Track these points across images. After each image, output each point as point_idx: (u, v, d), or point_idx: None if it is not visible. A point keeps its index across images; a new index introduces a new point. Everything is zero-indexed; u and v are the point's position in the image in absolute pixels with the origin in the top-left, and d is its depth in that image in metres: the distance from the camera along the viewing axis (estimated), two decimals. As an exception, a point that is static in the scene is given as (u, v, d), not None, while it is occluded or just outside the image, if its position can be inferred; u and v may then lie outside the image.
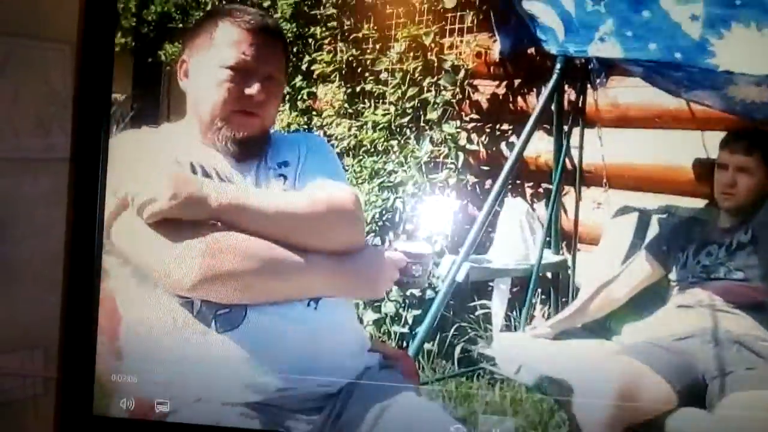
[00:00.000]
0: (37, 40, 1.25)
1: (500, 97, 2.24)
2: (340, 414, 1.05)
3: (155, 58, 2.60)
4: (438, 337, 1.94)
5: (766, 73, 1.37)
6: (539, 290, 1.97)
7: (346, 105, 2.45)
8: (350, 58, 2.42)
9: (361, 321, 1.82)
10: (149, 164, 1.06)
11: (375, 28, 2.37)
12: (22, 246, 1.25)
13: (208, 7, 2.15)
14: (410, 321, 2.03)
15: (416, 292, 2.05)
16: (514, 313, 2.02)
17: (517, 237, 1.98)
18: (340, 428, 1.04)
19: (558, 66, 1.84)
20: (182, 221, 1.02)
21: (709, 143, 1.81)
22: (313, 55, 2.43)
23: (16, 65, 1.24)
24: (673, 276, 1.66)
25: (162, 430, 1.16)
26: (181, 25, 2.42)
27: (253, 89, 1.10)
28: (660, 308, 1.63)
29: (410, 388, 1.10)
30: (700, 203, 1.82)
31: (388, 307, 2.03)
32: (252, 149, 1.14)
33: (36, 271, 1.27)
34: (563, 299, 2.00)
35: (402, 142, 2.32)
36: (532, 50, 2.00)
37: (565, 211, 2.08)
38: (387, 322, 2.03)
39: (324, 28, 2.36)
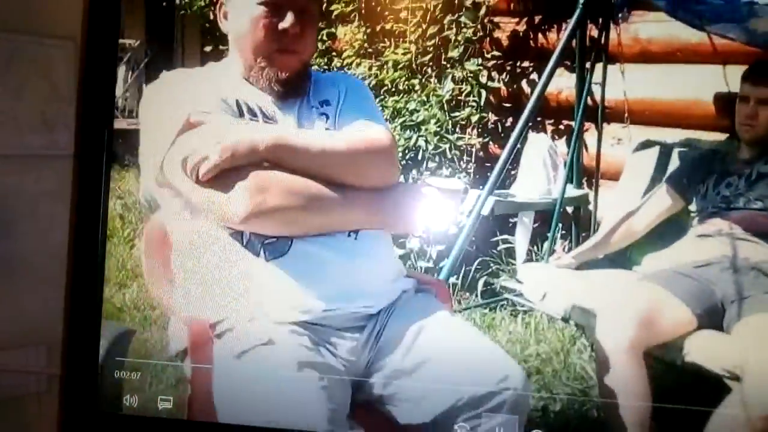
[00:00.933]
0: (40, 37, 1.24)
1: (521, 34, 2.26)
2: (381, 332, 1.12)
3: (170, 3, 2.61)
4: (462, 270, 2.00)
5: None
6: (560, 225, 2.02)
7: (365, 45, 2.46)
8: (370, -3, 2.44)
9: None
10: (199, 103, 1.11)
11: (394, -36, 2.37)
12: (25, 243, 1.25)
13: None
14: (434, 256, 2.09)
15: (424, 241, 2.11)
16: (535, 247, 2.08)
17: (540, 172, 2.03)
18: (381, 345, 1.11)
19: (581, 1, 1.85)
20: None
21: (730, 77, 1.83)
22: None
23: (19, 62, 1.23)
24: (693, 207, 1.70)
25: (166, 427, 1.20)
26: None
27: (286, 22, 1.13)
28: (680, 239, 1.67)
29: (445, 308, 1.17)
30: (720, 136, 1.85)
31: (413, 243, 2.08)
32: (294, 88, 1.18)
33: (39, 268, 1.27)
34: (584, 234, 2.06)
35: (423, 81, 2.34)
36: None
37: (586, 148, 2.12)
38: (412, 257, 2.09)
39: (342, -32, 2.31)
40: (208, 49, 2.45)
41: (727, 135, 1.81)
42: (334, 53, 2.53)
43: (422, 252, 2.09)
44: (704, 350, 1.39)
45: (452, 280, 1.94)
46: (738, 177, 1.62)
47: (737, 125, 1.66)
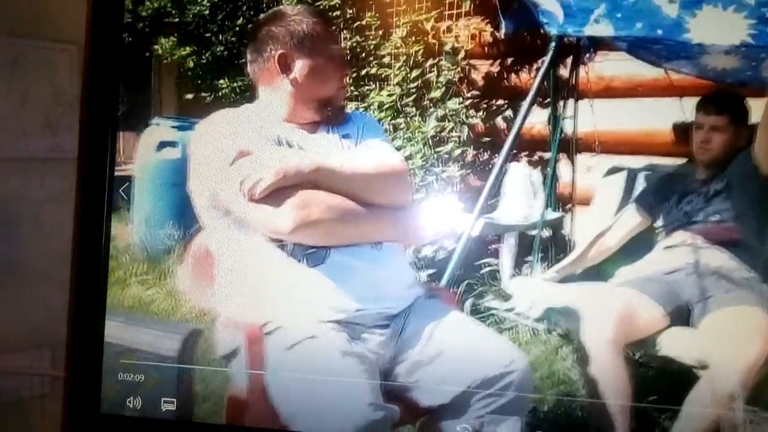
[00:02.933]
0: (45, 42, 1.27)
1: (495, 75, 2.44)
2: (403, 329, 1.31)
3: (151, 53, 2.73)
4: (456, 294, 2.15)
5: (732, 43, 1.58)
6: (540, 248, 2.19)
7: (352, 88, 2.62)
8: (354, 45, 2.59)
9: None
10: (247, 138, 1.29)
11: (377, 15, 2.55)
12: (29, 245, 1.27)
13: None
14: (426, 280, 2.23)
15: (429, 253, 2.27)
16: (516, 269, 2.24)
17: (520, 198, 2.21)
18: (404, 339, 1.31)
19: (552, 45, 2.05)
20: None
21: (686, 107, 2.02)
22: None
23: (24, 67, 1.25)
24: (659, 223, 1.88)
25: (169, 429, 1.28)
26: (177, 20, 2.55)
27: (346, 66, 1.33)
28: (649, 251, 1.85)
29: (455, 310, 1.36)
30: (680, 160, 2.05)
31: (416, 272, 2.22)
32: (329, 122, 1.38)
33: (43, 271, 1.30)
34: (561, 254, 2.23)
35: (408, 119, 2.51)
36: (525, 32, 2.20)
37: (560, 176, 2.30)
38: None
39: (328, 17, 2.53)
40: (189, 96, 2.59)
41: (686, 159, 1.98)
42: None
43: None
44: (675, 344, 1.57)
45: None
46: (697, 195, 1.81)
47: (694, 149, 1.85)
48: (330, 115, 1.37)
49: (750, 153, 1.71)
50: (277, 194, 1.25)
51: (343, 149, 1.38)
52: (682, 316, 1.63)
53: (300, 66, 1.35)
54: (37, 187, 1.29)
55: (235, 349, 1.28)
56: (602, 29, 1.74)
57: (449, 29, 2.43)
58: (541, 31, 1.91)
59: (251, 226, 1.27)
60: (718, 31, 1.57)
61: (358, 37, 2.58)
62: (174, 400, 1.27)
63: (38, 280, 1.30)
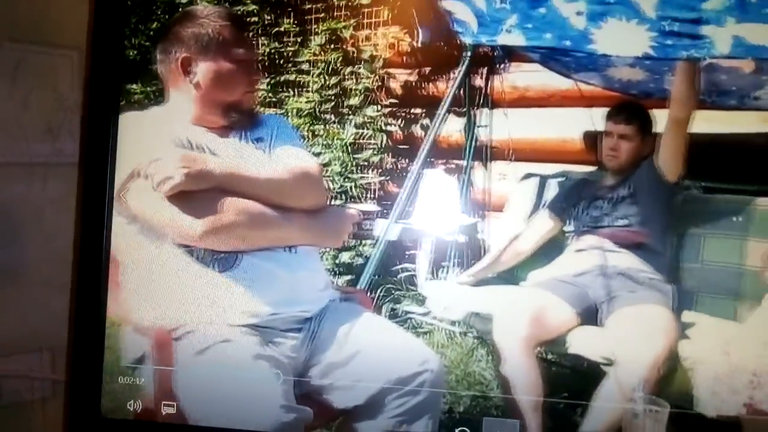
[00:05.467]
0: (46, 47, 1.28)
1: (412, 83, 2.47)
2: (316, 332, 1.30)
3: None
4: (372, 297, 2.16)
5: (635, 55, 1.66)
6: (456, 253, 2.22)
7: (269, 95, 2.61)
8: (272, 51, 2.58)
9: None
10: (154, 143, 1.25)
11: (295, 22, 2.54)
12: (30, 249, 1.28)
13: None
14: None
15: (347, 259, 2.27)
16: (432, 274, 2.27)
17: (436, 203, 2.24)
18: (318, 342, 1.29)
19: (467, 55, 2.10)
20: None
21: (595, 117, 2.11)
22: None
23: (25, 72, 1.27)
24: (569, 228, 1.95)
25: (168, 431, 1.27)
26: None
27: (252, 70, 1.31)
28: (560, 255, 1.91)
29: (369, 312, 1.36)
30: (590, 168, 2.13)
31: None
32: (240, 125, 1.35)
33: (44, 274, 1.31)
34: (476, 259, 2.27)
35: (326, 126, 2.51)
36: (440, 42, 2.24)
37: (474, 183, 2.34)
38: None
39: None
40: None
41: (596, 166, 2.05)
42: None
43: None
44: (584, 343, 1.62)
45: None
46: (604, 200, 1.88)
47: (603, 157, 1.93)
48: (237, 120, 1.35)
49: (654, 161, 1.81)
50: (186, 199, 1.22)
51: (256, 153, 1.36)
52: (590, 315, 1.69)
53: (203, 70, 1.33)
54: (39, 192, 1.29)
55: (142, 355, 1.24)
56: (514, 39, 1.79)
57: (368, 38, 2.43)
58: (457, 41, 1.93)
59: (159, 231, 1.24)
60: (622, 42, 1.64)
61: (276, 43, 2.56)
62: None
63: (39, 283, 1.30)
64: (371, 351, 1.28)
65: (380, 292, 2.16)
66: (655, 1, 1.56)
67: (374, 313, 1.49)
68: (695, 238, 1.85)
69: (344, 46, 2.44)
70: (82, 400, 1.30)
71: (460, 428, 1.31)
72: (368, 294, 1.99)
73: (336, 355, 1.28)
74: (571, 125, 2.19)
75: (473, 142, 2.25)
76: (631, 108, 1.91)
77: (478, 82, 2.26)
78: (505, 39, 1.81)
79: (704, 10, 1.50)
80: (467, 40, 1.92)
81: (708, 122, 1.85)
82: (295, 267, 1.30)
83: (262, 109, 2.55)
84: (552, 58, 2.05)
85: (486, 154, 2.28)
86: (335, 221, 1.37)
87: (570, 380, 1.67)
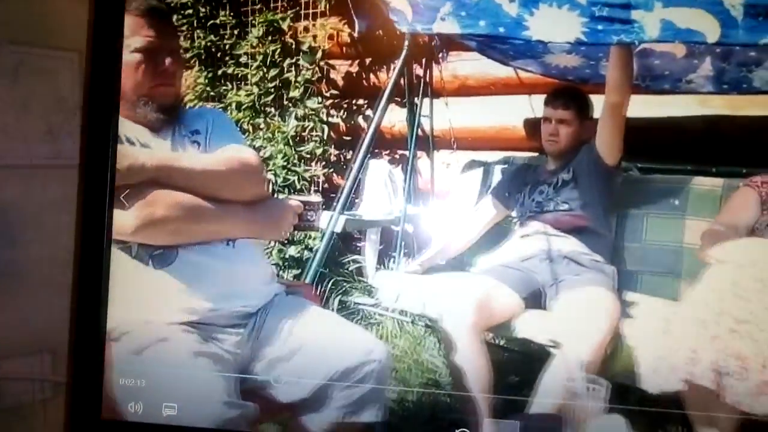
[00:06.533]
0: (46, 49, 1.26)
1: (354, 74, 2.46)
2: (260, 327, 1.27)
3: None
4: (318, 291, 2.15)
5: (567, 41, 1.67)
6: (403, 243, 2.23)
7: (208, 88, 2.56)
8: (209, 44, 2.54)
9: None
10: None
11: (231, 14, 2.50)
12: (31, 251, 1.27)
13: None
14: (290, 278, 2.21)
15: (294, 253, 2.25)
16: (382, 266, 2.27)
17: (382, 194, 2.24)
18: (261, 338, 1.27)
19: (406, 44, 2.09)
20: None
21: (535, 104, 2.13)
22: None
23: (25, 74, 1.25)
24: (514, 213, 1.97)
25: None
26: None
27: (165, 64, 1.27)
28: (506, 240, 1.93)
29: (314, 305, 1.34)
30: (532, 154, 2.15)
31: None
32: (169, 119, 1.31)
33: (45, 276, 1.29)
34: (425, 248, 2.27)
35: (267, 119, 2.48)
36: (380, 31, 2.24)
37: (420, 173, 2.35)
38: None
39: (180, 16, 2.45)
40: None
41: (538, 152, 2.08)
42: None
43: (279, 277, 2.20)
44: (531, 326, 1.64)
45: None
46: (547, 185, 1.90)
47: (543, 142, 1.94)
48: (163, 114, 1.30)
49: (593, 145, 1.83)
50: (118, 193, 1.18)
51: (192, 146, 1.32)
52: (536, 299, 1.71)
53: (124, 63, 1.28)
54: (39, 194, 1.28)
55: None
56: (449, 27, 1.79)
57: (306, 29, 2.42)
58: (395, 30, 1.93)
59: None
60: (555, 28, 1.65)
61: (212, 36, 2.53)
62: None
63: (39, 285, 1.29)
64: (316, 344, 1.26)
65: (329, 284, 2.15)
66: (585, -13, 1.57)
67: (320, 307, 1.47)
68: (636, 219, 1.89)
69: (283, 38, 2.42)
70: (82, 402, 1.30)
71: (460, 429, 1.31)
72: (316, 287, 1.97)
73: (280, 349, 1.26)
74: (512, 112, 2.22)
75: (416, 132, 2.24)
76: (568, 93, 1.93)
77: (419, 71, 2.26)
78: (440, 27, 1.80)
79: (633, -5, 1.53)
80: (403, 29, 1.91)
81: (643, 106, 1.88)
82: (235, 261, 1.27)
83: (200, 102, 2.54)
84: (489, 46, 2.06)
85: (429, 143, 2.28)
86: (275, 213, 1.34)
87: (519, 364, 1.69)
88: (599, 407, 1.29)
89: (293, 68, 2.43)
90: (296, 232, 1.63)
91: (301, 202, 1.37)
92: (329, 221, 1.96)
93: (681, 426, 1.46)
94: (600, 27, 1.59)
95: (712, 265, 1.55)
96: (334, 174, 2.46)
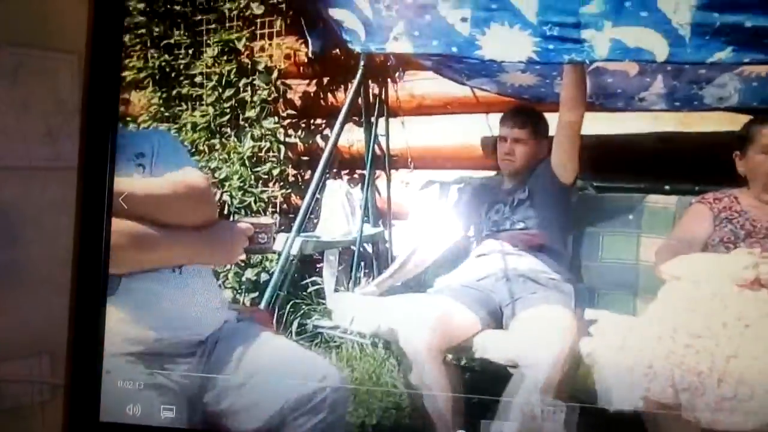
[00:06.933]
0: (46, 51, 1.26)
1: (311, 94, 2.45)
2: (210, 354, 1.23)
3: None
4: (275, 315, 2.11)
5: (519, 60, 1.69)
6: (363, 263, 2.21)
7: (162, 109, 2.52)
8: (163, 64, 2.50)
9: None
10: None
11: (186, 34, 2.47)
12: (30, 253, 1.26)
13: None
14: (248, 304, 2.17)
15: (251, 276, 2.21)
16: (341, 287, 2.24)
17: (340, 215, 2.21)
18: (211, 366, 1.23)
19: (361, 63, 2.08)
20: None
21: (492, 123, 2.14)
22: (124, 62, 2.46)
23: (25, 75, 1.25)
24: (471, 233, 1.97)
25: None
26: None
27: None
28: (463, 260, 1.92)
29: (267, 331, 1.31)
30: (489, 173, 2.16)
31: (225, 294, 2.14)
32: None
33: (44, 278, 1.29)
34: (384, 268, 2.26)
35: (223, 140, 2.45)
36: (337, 51, 2.23)
37: (379, 192, 2.34)
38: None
39: (133, 35, 2.41)
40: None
41: (495, 171, 2.09)
42: (128, 118, 2.55)
43: (236, 301, 2.16)
44: (490, 346, 1.62)
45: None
46: (503, 204, 1.90)
47: (499, 161, 1.94)
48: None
49: (549, 163, 1.84)
50: None
51: (137, 169, 1.28)
52: (495, 319, 1.70)
53: None
54: (38, 195, 1.28)
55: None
56: (402, 46, 1.80)
57: (262, 48, 2.40)
58: (349, 50, 1.92)
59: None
60: (507, 48, 1.66)
61: (167, 55, 2.49)
62: (173, 407, 1.22)
63: (38, 287, 1.29)
64: (268, 371, 1.22)
65: (288, 307, 2.11)
66: (536, 7, 1.59)
67: (274, 332, 1.43)
68: (593, 237, 1.90)
69: (239, 58, 2.40)
70: (81, 404, 1.30)
71: (459, 431, 1.28)
72: (273, 311, 1.93)
73: (231, 378, 1.22)
74: (469, 131, 2.23)
75: (373, 152, 2.23)
76: (523, 112, 1.95)
77: (375, 91, 2.26)
78: (393, 46, 1.80)
79: (583, 14, 1.54)
80: (356, 49, 1.90)
81: (597, 124, 1.90)
82: (183, 288, 1.23)
83: (154, 123, 2.50)
84: (445, 65, 2.07)
85: (387, 162, 2.28)
86: (225, 237, 1.30)
87: (480, 384, 1.67)
88: (558, 430, 1.28)
89: (249, 88, 2.41)
90: (249, 255, 1.59)
91: (252, 224, 1.34)
92: (285, 243, 1.93)
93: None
94: (551, 46, 1.61)
95: (667, 282, 1.56)
96: (292, 195, 2.44)
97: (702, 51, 1.50)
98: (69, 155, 1.31)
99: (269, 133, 2.40)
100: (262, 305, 1.87)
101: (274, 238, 1.39)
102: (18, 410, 1.29)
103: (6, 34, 1.25)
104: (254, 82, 2.40)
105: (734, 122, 1.81)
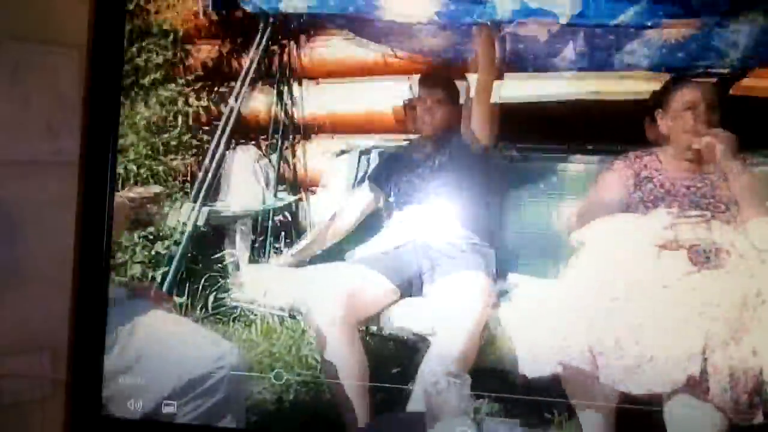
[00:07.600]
0: (47, 46, 1.27)
1: (214, 59, 2.32)
2: None
3: None
4: (188, 288, 2.00)
5: (421, 20, 1.62)
6: (284, 233, 2.11)
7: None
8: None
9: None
10: None
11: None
12: (31, 248, 1.27)
13: None
14: (159, 279, 2.05)
15: (161, 250, 2.08)
16: (260, 258, 2.15)
17: (251, 183, 2.11)
18: None
19: (261, 26, 1.98)
20: None
21: (407, 87, 2.06)
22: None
23: (26, 71, 1.26)
24: (392, 198, 1.90)
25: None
26: None
27: None
28: (382, 228, 1.86)
29: (160, 308, 1.21)
30: (407, 137, 2.09)
31: (135, 269, 2.02)
32: None
33: (45, 274, 1.29)
34: (299, 239, 2.17)
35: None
36: (239, 13, 2.10)
37: (293, 159, 2.24)
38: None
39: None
40: None
41: (413, 135, 2.01)
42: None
43: (145, 277, 2.04)
44: (408, 315, 1.57)
45: (181, 300, 1.93)
46: (423, 168, 1.84)
47: (418, 125, 1.89)
48: None
49: (467, 126, 1.80)
50: None
51: None
52: (413, 287, 1.65)
53: None
54: (39, 191, 1.30)
55: None
56: (296, 5, 1.72)
57: (158, 11, 2.25)
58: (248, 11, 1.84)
59: None
60: (408, 8, 1.60)
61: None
62: (174, 402, 1.19)
63: (40, 283, 1.30)
64: (158, 352, 1.13)
65: (203, 281, 2.01)
66: (438, -34, 1.52)
67: (163, 310, 1.33)
68: (515, 201, 1.87)
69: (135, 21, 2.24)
70: (82, 399, 1.30)
71: (459, 429, 1.21)
72: (181, 284, 1.82)
73: (118, 360, 1.12)
74: (384, 96, 2.14)
75: (285, 118, 2.14)
76: (440, 75, 1.91)
77: (282, 54, 2.16)
78: (287, 5, 1.72)
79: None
80: (248, 8, 1.83)
81: (512, 88, 1.87)
82: None
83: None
84: (352, 28, 1.98)
85: (299, 129, 2.18)
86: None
87: (397, 355, 1.62)
88: (463, 402, 1.23)
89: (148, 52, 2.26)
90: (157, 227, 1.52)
91: (140, 195, 1.26)
92: (190, 214, 1.81)
93: (562, 410, 1.43)
94: (453, 7, 1.57)
95: (584, 244, 1.53)
96: (197, 162, 2.31)
97: (608, 13, 1.49)
98: (70, 150, 1.32)
99: (169, 100, 2.27)
100: (165, 288, 1.76)
101: (165, 207, 1.32)
102: (19, 406, 1.29)
103: (7, 29, 1.26)
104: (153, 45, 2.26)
105: (653, 83, 1.79)
